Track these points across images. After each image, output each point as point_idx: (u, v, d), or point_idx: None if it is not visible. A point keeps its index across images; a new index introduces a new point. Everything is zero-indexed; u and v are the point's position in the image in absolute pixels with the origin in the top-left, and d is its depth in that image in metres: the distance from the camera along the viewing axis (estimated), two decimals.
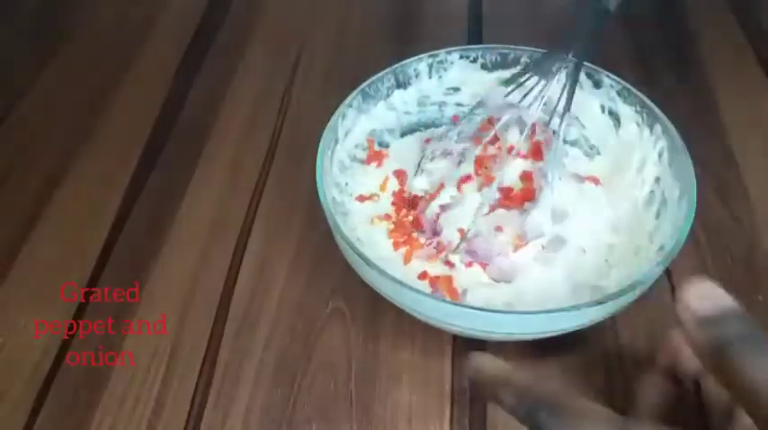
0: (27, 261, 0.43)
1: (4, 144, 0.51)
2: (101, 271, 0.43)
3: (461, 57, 0.44)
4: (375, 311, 0.40)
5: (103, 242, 0.44)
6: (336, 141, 0.40)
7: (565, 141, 0.43)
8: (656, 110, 0.39)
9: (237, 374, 0.38)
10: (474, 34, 0.58)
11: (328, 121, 0.40)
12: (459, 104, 0.46)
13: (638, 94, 0.40)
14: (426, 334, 0.39)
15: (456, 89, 0.45)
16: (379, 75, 0.42)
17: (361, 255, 0.32)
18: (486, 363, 0.28)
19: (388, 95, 0.43)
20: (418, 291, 0.32)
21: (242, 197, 0.46)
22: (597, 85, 0.42)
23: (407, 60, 0.43)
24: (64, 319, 0.40)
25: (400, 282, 0.31)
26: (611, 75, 0.41)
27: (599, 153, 0.44)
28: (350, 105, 0.41)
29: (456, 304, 0.32)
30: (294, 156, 0.49)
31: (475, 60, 0.44)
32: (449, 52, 0.43)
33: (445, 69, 0.44)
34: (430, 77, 0.44)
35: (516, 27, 0.58)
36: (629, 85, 0.40)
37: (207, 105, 0.53)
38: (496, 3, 0.61)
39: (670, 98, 0.39)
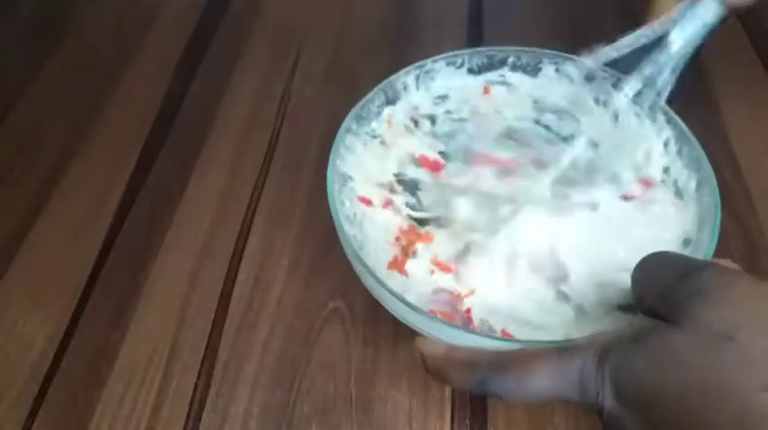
0: (26, 260, 0.43)
1: (3, 143, 0.51)
2: (100, 270, 0.42)
3: (448, 64, 0.43)
4: (375, 312, 0.40)
5: (102, 242, 0.44)
6: (345, 181, 0.40)
7: (563, 139, 0.43)
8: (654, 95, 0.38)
9: (237, 375, 0.38)
10: (474, 34, 0.58)
11: (331, 127, 0.39)
12: (448, 112, 0.45)
13: (636, 83, 0.39)
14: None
15: (444, 97, 0.45)
16: (369, 95, 0.41)
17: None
18: (426, 348, 0.28)
19: (378, 114, 0.42)
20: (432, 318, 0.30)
21: (241, 197, 0.46)
22: (590, 78, 0.41)
23: (394, 75, 0.42)
24: (63, 319, 0.40)
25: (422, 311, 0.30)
26: (606, 69, 0.41)
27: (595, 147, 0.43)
28: (348, 130, 0.40)
29: (472, 332, 0.31)
30: (293, 156, 0.49)
31: (461, 66, 0.43)
32: (434, 61, 0.43)
33: (432, 78, 0.43)
34: (417, 89, 0.44)
35: (517, 27, 0.58)
36: (621, 75, 0.40)
37: (206, 105, 0.53)
38: (497, 2, 0.61)
39: (669, 96, 0.39)
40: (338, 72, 0.55)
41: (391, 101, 0.42)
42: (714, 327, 0.21)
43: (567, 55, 0.41)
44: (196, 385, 0.37)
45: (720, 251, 0.42)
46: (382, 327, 0.39)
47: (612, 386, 0.23)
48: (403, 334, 0.39)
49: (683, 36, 0.36)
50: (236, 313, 0.40)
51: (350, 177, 0.40)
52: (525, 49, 0.42)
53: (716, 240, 0.33)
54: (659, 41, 0.37)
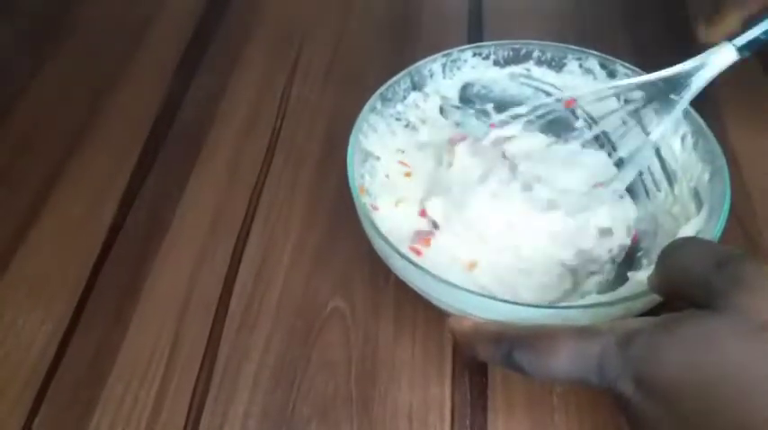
0: (26, 260, 0.43)
1: (3, 143, 0.51)
2: (100, 270, 0.42)
3: (474, 54, 0.44)
4: (375, 311, 0.40)
5: (102, 242, 0.44)
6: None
7: (583, 145, 0.43)
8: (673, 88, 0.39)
9: (236, 374, 0.38)
10: (474, 33, 0.58)
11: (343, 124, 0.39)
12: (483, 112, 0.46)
13: (657, 81, 0.40)
14: (427, 334, 0.39)
15: (470, 85, 0.45)
16: (396, 77, 0.42)
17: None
18: (457, 324, 0.29)
19: (404, 98, 0.43)
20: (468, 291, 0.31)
21: (241, 197, 0.46)
22: (612, 74, 0.42)
23: (422, 61, 0.43)
24: (63, 319, 0.40)
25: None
26: (625, 63, 0.41)
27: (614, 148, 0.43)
28: (373, 109, 0.40)
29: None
30: (293, 156, 0.49)
31: (487, 57, 0.44)
32: (462, 50, 0.43)
33: (459, 68, 0.44)
34: (444, 77, 0.44)
35: (517, 25, 0.58)
36: (644, 73, 0.40)
37: (206, 105, 0.53)
38: (496, 2, 0.61)
39: None
40: (338, 72, 0.55)
41: (417, 86, 0.43)
42: (756, 316, 0.21)
43: (591, 51, 0.41)
44: (196, 385, 0.37)
45: None
46: (382, 327, 0.39)
47: (635, 374, 0.23)
48: (403, 333, 0.39)
49: (700, 83, 0.37)
50: (236, 313, 0.40)
51: (371, 154, 0.41)
52: (550, 43, 0.42)
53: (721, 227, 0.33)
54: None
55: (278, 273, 0.42)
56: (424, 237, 0.39)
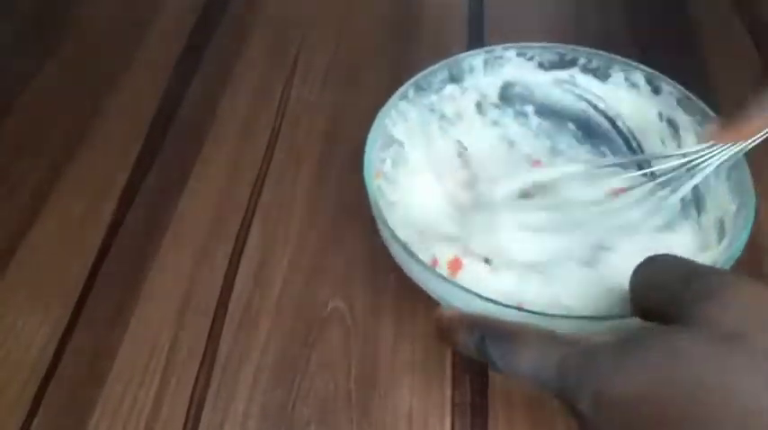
0: (25, 260, 0.43)
1: (3, 143, 0.50)
2: (99, 270, 0.42)
3: (518, 54, 0.43)
4: (375, 312, 0.40)
5: (101, 242, 0.44)
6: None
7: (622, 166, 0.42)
8: (712, 118, 0.37)
9: (236, 374, 0.37)
10: (475, 33, 0.58)
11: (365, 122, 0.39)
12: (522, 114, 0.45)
13: (699, 102, 0.38)
14: (427, 335, 0.39)
15: (511, 85, 0.44)
16: (433, 68, 0.41)
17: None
18: (445, 313, 0.29)
19: (439, 89, 0.42)
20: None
21: (240, 197, 0.46)
22: (657, 91, 0.41)
23: (462, 54, 0.42)
24: (62, 319, 0.40)
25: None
26: (669, 81, 0.40)
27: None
28: (404, 96, 0.40)
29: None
30: (293, 156, 0.49)
31: (531, 59, 0.43)
32: (505, 48, 0.42)
33: (501, 66, 0.43)
34: (485, 74, 0.43)
35: (518, 25, 0.58)
36: (689, 94, 0.39)
37: (205, 104, 0.53)
38: (497, 2, 0.61)
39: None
40: (338, 72, 0.55)
41: (455, 79, 0.42)
42: (722, 327, 0.21)
43: (637, 64, 0.40)
44: (195, 384, 0.37)
45: None
46: (382, 327, 0.39)
47: (594, 389, 0.23)
48: (403, 334, 0.39)
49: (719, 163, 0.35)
50: (236, 312, 0.40)
51: (398, 141, 0.40)
52: (597, 51, 0.41)
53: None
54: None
55: (278, 273, 0.42)
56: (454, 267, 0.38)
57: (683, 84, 0.40)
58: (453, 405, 0.36)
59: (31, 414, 0.36)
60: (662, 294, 0.25)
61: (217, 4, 0.62)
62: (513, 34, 0.46)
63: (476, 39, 0.57)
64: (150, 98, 0.53)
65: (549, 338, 0.25)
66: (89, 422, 0.36)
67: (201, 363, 0.38)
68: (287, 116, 0.52)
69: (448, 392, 0.37)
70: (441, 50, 0.44)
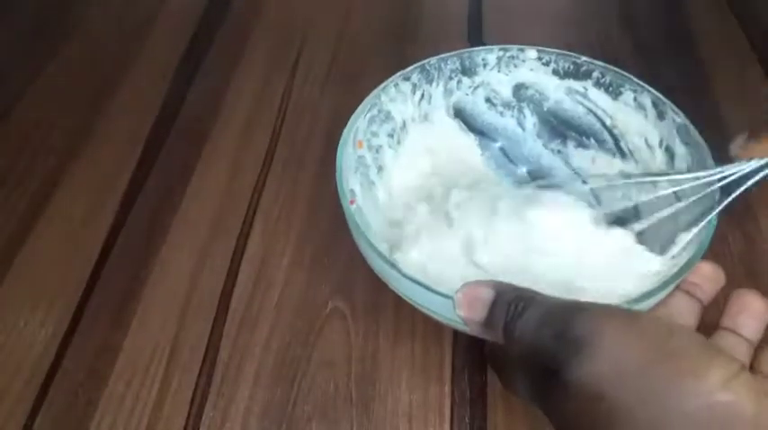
0: (27, 260, 0.43)
1: (4, 143, 0.51)
2: (100, 270, 0.42)
3: (536, 58, 0.42)
4: (375, 311, 0.40)
5: (103, 242, 0.44)
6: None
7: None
8: (707, 152, 0.37)
9: (237, 374, 0.38)
10: (474, 34, 0.58)
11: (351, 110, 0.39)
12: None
13: (696, 133, 0.38)
14: (426, 333, 0.39)
15: (524, 87, 0.44)
16: (444, 55, 0.41)
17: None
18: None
19: (450, 78, 0.42)
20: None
21: (241, 197, 0.46)
22: (661, 116, 0.40)
23: (476, 48, 0.42)
24: (64, 319, 0.40)
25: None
26: (674, 108, 0.39)
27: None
28: (407, 77, 0.40)
29: None
30: (294, 156, 0.49)
31: (547, 64, 0.42)
32: (521, 49, 0.42)
33: (515, 66, 0.43)
34: (499, 71, 0.43)
35: (518, 26, 0.58)
36: (688, 122, 0.38)
37: (206, 105, 0.53)
38: (496, 2, 0.61)
39: (669, 97, 0.39)
40: (338, 72, 0.55)
41: (467, 71, 0.43)
42: (587, 388, 0.21)
43: (648, 87, 0.39)
44: (197, 384, 0.37)
45: (719, 253, 0.42)
46: (382, 326, 0.39)
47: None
48: (403, 333, 0.39)
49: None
50: (237, 312, 0.40)
51: (390, 114, 0.41)
52: (611, 68, 0.41)
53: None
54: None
55: (278, 272, 0.42)
56: None
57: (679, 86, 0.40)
58: (453, 402, 0.36)
59: (33, 413, 0.36)
60: (538, 357, 0.24)
61: (218, 5, 0.62)
62: (513, 35, 0.47)
63: (475, 39, 0.57)
64: (152, 99, 0.53)
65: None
66: (91, 421, 0.36)
67: (203, 363, 0.38)
68: (288, 116, 0.52)
69: (447, 389, 0.37)
70: (440, 51, 0.44)
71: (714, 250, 0.41)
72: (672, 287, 0.31)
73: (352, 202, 0.36)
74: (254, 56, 0.57)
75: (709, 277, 0.33)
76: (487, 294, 0.26)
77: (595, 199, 0.42)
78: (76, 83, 0.55)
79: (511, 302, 0.25)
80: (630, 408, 0.21)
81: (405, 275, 0.31)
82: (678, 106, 0.39)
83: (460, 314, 0.26)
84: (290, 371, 0.38)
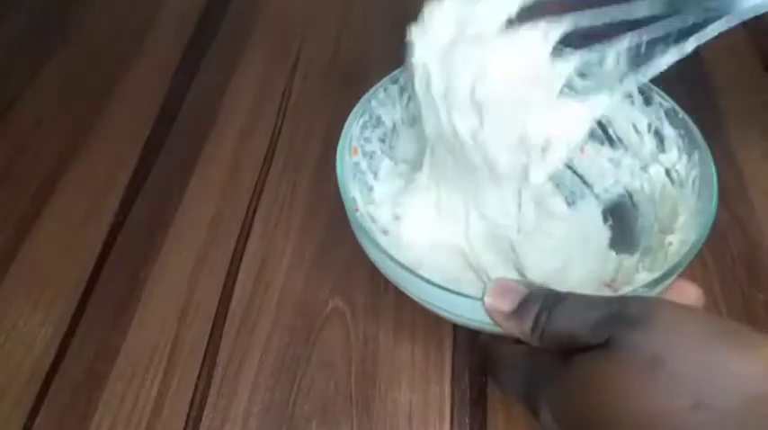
0: (27, 260, 0.43)
1: (4, 143, 0.51)
2: (100, 270, 0.42)
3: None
4: (375, 311, 0.40)
5: (102, 242, 0.44)
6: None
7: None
8: (699, 136, 0.37)
9: (237, 374, 0.38)
10: None
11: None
12: None
13: (685, 116, 0.38)
14: (426, 333, 0.39)
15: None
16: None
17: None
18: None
19: None
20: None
21: (241, 197, 0.46)
22: (648, 102, 0.40)
23: None
24: (64, 319, 0.40)
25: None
26: (661, 92, 0.39)
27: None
28: (395, 81, 0.41)
29: None
30: (294, 156, 0.49)
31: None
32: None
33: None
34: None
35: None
36: (676, 106, 0.39)
37: (207, 104, 0.53)
38: None
39: (669, 97, 0.39)
40: (338, 71, 0.55)
41: None
42: (643, 352, 0.22)
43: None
44: (197, 384, 0.37)
45: (719, 251, 0.42)
46: (382, 326, 0.39)
47: (550, 410, 0.24)
48: (403, 333, 0.39)
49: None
50: (237, 312, 0.40)
51: (380, 119, 0.42)
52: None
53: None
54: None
55: (278, 273, 0.42)
56: None
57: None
58: (453, 402, 0.36)
59: (33, 414, 0.36)
60: (581, 340, 0.24)
61: (218, 4, 0.62)
62: None
63: None
64: (152, 98, 0.53)
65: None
66: (91, 422, 0.36)
67: (203, 363, 0.38)
68: (287, 116, 0.52)
69: (447, 390, 0.37)
70: None
71: (714, 250, 0.42)
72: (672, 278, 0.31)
73: (356, 210, 0.36)
74: (254, 56, 0.57)
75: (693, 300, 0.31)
76: (520, 287, 0.27)
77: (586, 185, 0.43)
78: (76, 82, 0.55)
79: (547, 296, 0.26)
80: (695, 377, 0.21)
81: (429, 281, 0.31)
82: (667, 92, 0.39)
83: (489, 301, 0.27)
84: (289, 372, 0.38)
